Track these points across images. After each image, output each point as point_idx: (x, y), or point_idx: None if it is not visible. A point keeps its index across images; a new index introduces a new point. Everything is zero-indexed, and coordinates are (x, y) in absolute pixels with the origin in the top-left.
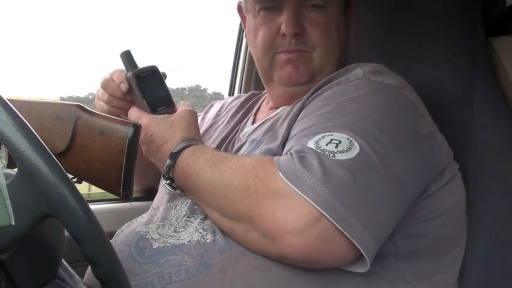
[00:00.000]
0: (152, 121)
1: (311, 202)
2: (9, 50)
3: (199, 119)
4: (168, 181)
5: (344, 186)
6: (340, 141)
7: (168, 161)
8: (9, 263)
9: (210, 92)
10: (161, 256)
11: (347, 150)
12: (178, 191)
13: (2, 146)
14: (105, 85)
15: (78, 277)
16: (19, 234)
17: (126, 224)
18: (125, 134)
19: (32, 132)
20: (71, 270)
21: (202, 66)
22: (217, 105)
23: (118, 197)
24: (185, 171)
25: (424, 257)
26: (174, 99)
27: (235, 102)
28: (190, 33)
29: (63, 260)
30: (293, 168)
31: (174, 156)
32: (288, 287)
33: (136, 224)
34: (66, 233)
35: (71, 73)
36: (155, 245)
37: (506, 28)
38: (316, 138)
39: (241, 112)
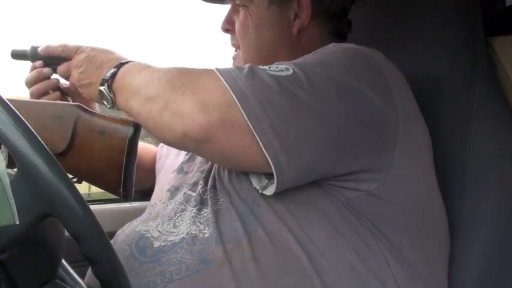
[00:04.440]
0: (95, 48)
1: (228, 87)
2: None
3: None
4: (105, 86)
5: (263, 86)
6: (277, 67)
7: (113, 69)
8: (9, 263)
9: None
10: (162, 255)
11: (279, 71)
12: (110, 95)
13: (2, 145)
14: (30, 80)
15: (78, 277)
16: (19, 234)
17: (128, 224)
18: (125, 133)
19: (32, 132)
20: (71, 270)
21: (202, 66)
22: None
23: (118, 197)
24: (125, 74)
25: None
26: None
27: None
28: (191, 33)
29: (63, 260)
30: (228, 68)
31: (120, 65)
32: (281, 276)
33: (137, 223)
34: (66, 233)
35: None
36: (156, 244)
37: (506, 28)
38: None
39: None
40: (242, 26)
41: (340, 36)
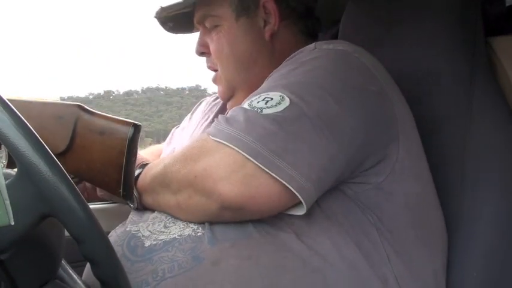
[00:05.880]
0: None
1: (236, 149)
2: (10, 50)
3: (186, 120)
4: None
5: (269, 133)
6: (272, 98)
7: (139, 170)
8: (10, 263)
9: (210, 92)
10: (154, 254)
11: (276, 105)
12: (136, 196)
13: (2, 146)
14: None
15: (77, 277)
16: (19, 235)
17: (120, 225)
18: (125, 134)
19: (32, 132)
20: (71, 270)
21: (202, 66)
22: (203, 104)
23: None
24: (147, 174)
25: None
26: (174, 99)
27: (218, 100)
28: (191, 33)
29: (63, 260)
30: (219, 128)
31: (143, 166)
32: (279, 274)
33: (127, 223)
34: (66, 233)
35: (71, 73)
36: (147, 243)
37: (506, 28)
38: (253, 98)
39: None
40: (217, 46)
41: (312, 34)
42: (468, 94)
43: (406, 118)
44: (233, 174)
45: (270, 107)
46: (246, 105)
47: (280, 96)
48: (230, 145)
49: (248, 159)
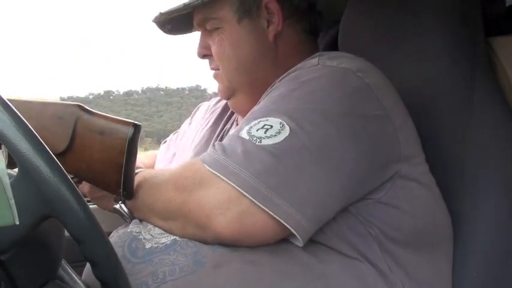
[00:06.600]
0: None
1: (233, 185)
2: (10, 50)
3: (186, 124)
4: (119, 205)
5: (267, 169)
6: (271, 126)
7: None
8: (10, 264)
9: (210, 92)
10: (154, 256)
11: (275, 135)
12: (127, 212)
13: (2, 146)
14: None
15: (77, 277)
16: (20, 235)
17: (123, 225)
18: (125, 134)
19: (33, 132)
20: (71, 270)
21: (202, 66)
22: (202, 108)
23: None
24: (137, 190)
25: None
26: (174, 99)
27: (220, 103)
28: (191, 33)
29: (63, 260)
30: (216, 158)
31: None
32: (282, 279)
33: (129, 225)
34: (66, 233)
35: (71, 73)
36: (148, 245)
37: (506, 28)
38: (252, 124)
39: (227, 114)
40: (219, 48)
41: (315, 32)
42: (469, 93)
43: (410, 137)
44: (228, 211)
45: (270, 137)
46: (244, 132)
47: (280, 123)
48: (226, 179)
49: (244, 195)
